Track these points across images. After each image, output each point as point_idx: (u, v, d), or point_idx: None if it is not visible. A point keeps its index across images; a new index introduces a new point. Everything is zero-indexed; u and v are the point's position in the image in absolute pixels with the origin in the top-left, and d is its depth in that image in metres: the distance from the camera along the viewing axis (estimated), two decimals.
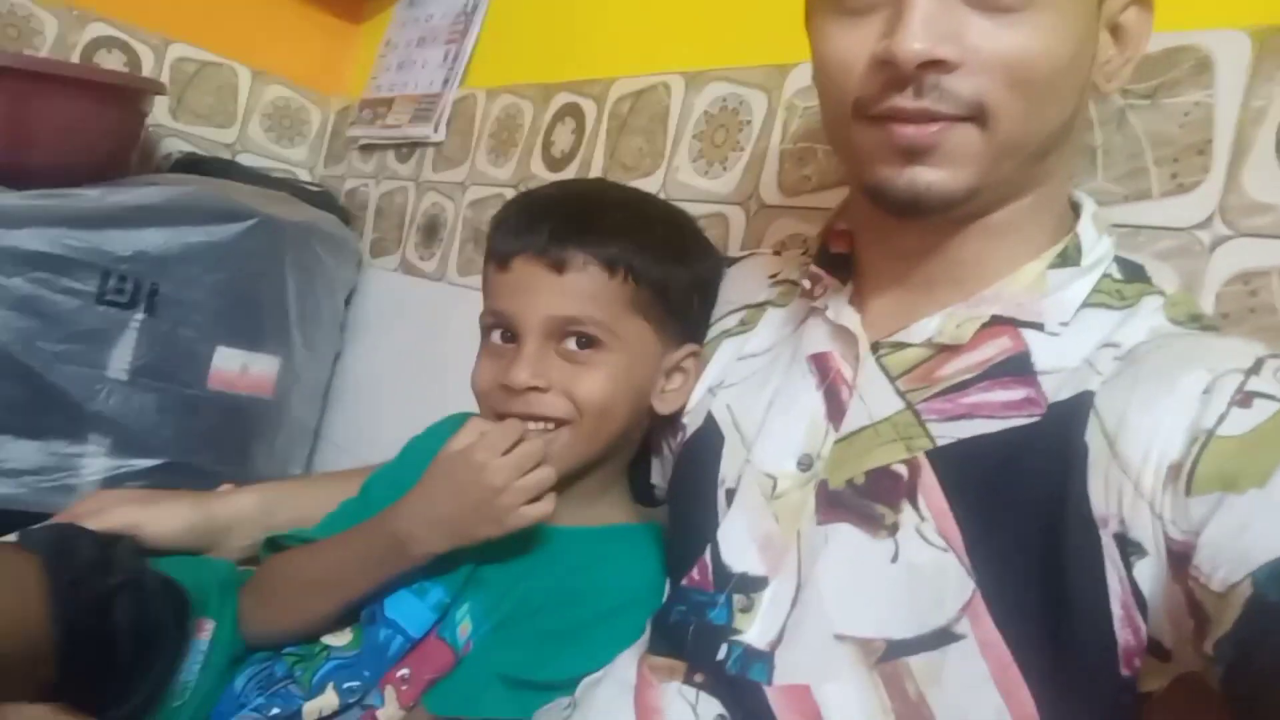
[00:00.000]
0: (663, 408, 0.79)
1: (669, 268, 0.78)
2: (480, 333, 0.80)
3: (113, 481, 1.35)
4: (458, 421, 0.80)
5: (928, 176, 0.57)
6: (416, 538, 0.73)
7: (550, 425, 0.74)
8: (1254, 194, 0.71)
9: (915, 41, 0.53)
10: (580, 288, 0.74)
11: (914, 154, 0.57)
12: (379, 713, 0.73)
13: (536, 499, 0.72)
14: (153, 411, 1.39)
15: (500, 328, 0.77)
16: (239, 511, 0.91)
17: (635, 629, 0.72)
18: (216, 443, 1.47)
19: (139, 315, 1.37)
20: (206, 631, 0.81)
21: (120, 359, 1.36)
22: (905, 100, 0.56)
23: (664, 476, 0.84)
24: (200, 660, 0.80)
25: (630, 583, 0.76)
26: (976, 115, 0.56)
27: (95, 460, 1.35)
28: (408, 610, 0.76)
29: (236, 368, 1.48)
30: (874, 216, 0.67)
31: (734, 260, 0.88)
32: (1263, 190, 0.71)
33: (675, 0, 1.25)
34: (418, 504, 0.74)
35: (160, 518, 0.87)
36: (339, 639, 0.78)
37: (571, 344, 0.75)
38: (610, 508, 0.82)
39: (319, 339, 1.62)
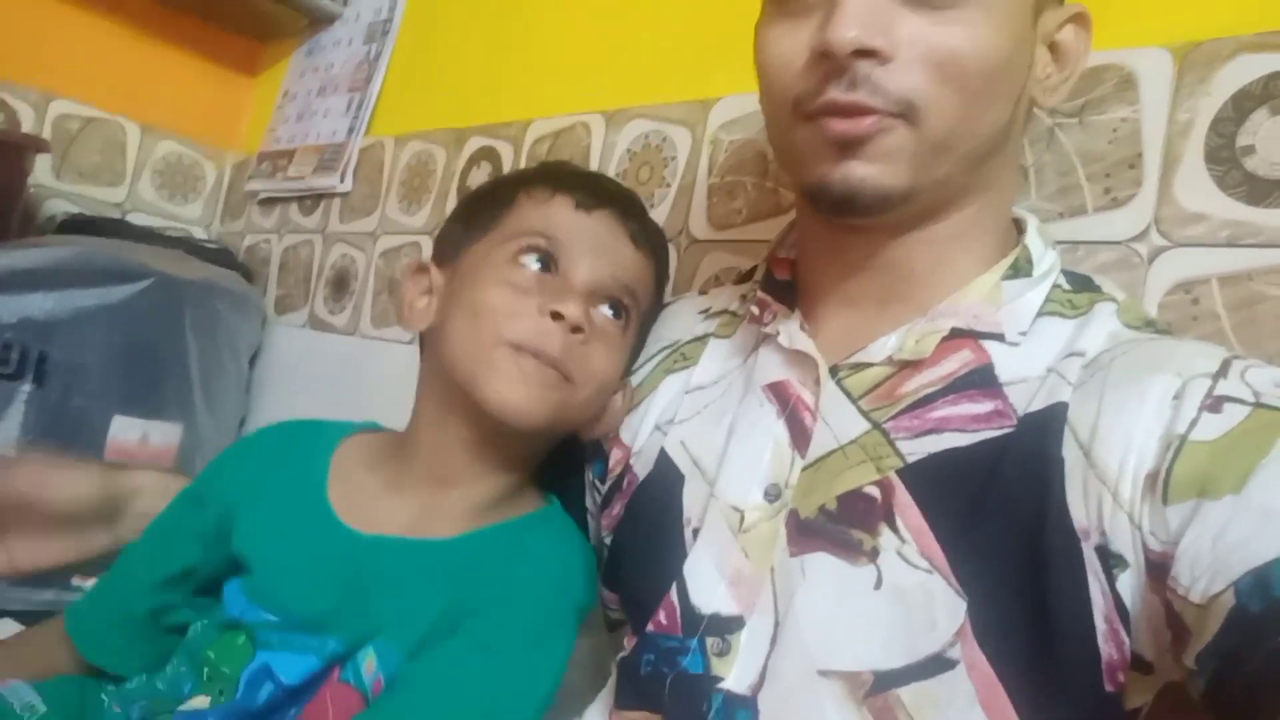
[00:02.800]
0: (588, 432, 0.77)
1: (660, 299, 0.80)
2: (485, 259, 0.73)
3: None
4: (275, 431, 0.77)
5: (861, 171, 0.57)
6: None
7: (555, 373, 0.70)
8: (1187, 205, 0.73)
9: (847, 30, 0.54)
10: (641, 268, 0.75)
11: (847, 147, 0.57)
12: None
13: None
14: None
15: (544, 254, 0.72)
16: (144, 481, 0.84)
17: (570, 608, 0.70)
18: None
19: (26, 386, 1.28)
20: None
21: (6, 433, 1.26)
22: (839, 92, 0.56)
23: (595, 534, 0.80)
24: None
25: (550, 558, 0.72)
26: (906, 111, 0.56)
27: None
28: (284, 661, 0.67)
29: (135, 437, 1.39)
30: (820, 231, 0.67)
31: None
32: (1195, 200, 0.72)
33: (591, 40, 1.24)
34: None
35: (65, 482, 0.80)
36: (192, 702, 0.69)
37: (603, 310, 0.73)
38: (515, 499, 0.76)
39: (223, 402, 1.54)
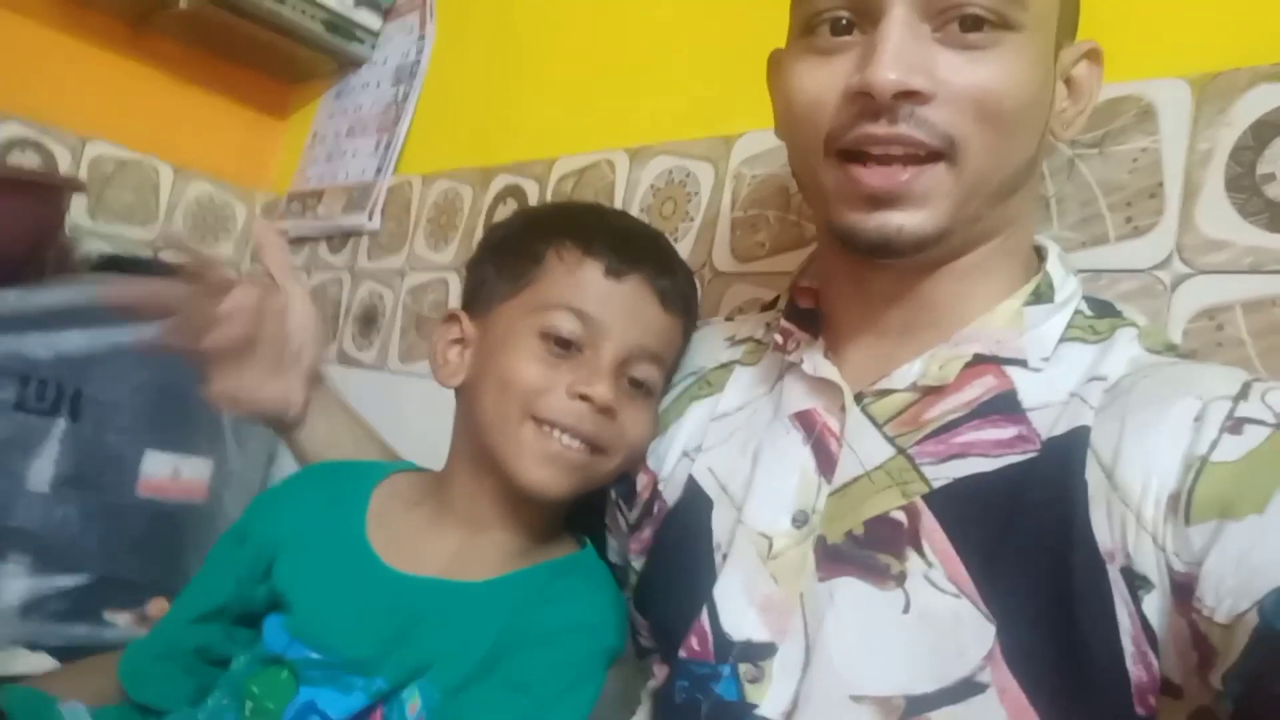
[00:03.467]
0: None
1: (689, 336, 0.80)
2: (512, 316, 0.73)
3: (35, 604, 1.26)
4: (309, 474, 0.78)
5: (898, 220, 0.58)
6: None
7: (589, 449, 0.71)
8: (1208, 232, 0.73)
9: (890, 72, 0.55)
10: (670, 331, 0.75)
11: (881, 201, 0.58)
12: None
13: None
14: (77, 524, 1.30)
15: (568, 334, 0.71)
16: None
17: (602, 651, 0.70)
18: (146, 554, 1.37)
19: (61, 422, 1.30)
20: None
21: (41, 470, 1.28)
22: (878, 128, 0.57)
23: (618, 552, 0.81)
24: None
25: (584, 603, 0.72)
26: (946, 148, 0.57)
27: (15, 581, 1.25)
28: (330, 698, 0.68)
29: (167, 472, 1.40)
30: (845, 264, 0.68)
31: None
32: (1217, 228, 0.73)
33: (614, 79, 1.27)
34: None
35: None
36: None
37: (631, 379, 0.73)
38: (550, 543, 0.77)
39: (253, 439, 1.55)
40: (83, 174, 1.69)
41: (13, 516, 1.25)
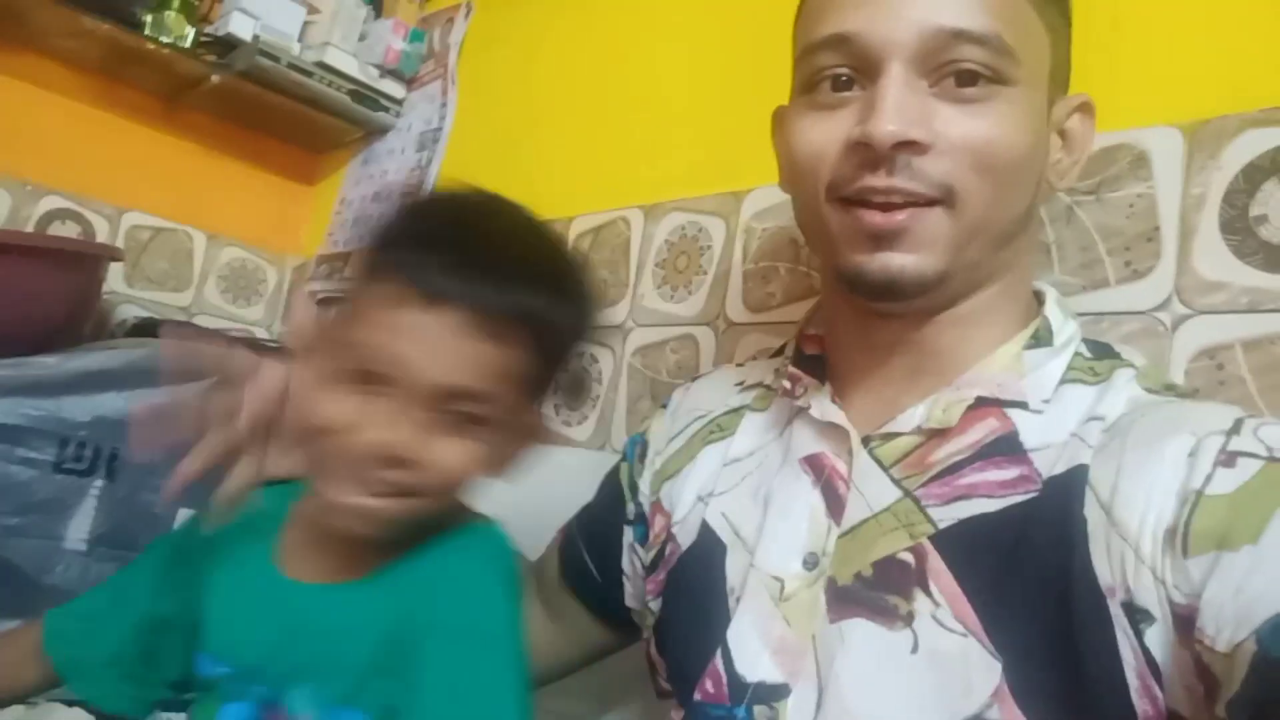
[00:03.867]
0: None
1: (571, 336, 0.73)
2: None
3: None
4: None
5: (900, 260, 0.60)
6: None
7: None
8: (1206, 274, 0.75)
9: (889, 124, 0.57)
10: (498, 360, 0.65)
11: (883, 239, 0.60)
12: None
13: None
14: None
15: (366, 374, 0.64)
16: None
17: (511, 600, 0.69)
18: None
19: (98, 481, 1.33)
20: None
21: (79, 528, 1.31)
22: (877, 179, 0.59)
23: (636, 596, 0.82)
24: None
25: (468, 593, 0.69)
26: (945, 197, 0.59)
27: None
28: (232, 712, 0.69)
29: None
30: (850, 312, 0.69)
31: (696, 375, 0.90)
32: (1214, 270, 0.75)
33: (628, 140, 1.31)
34: None
35: None
36: None
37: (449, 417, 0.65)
38: (441, 522, 0.72)
39: None
40: (119, 243, 1.75)
41: (51, 575, 1.28)
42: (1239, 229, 0.74)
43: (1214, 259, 0.75)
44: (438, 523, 0.71)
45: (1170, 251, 0.77)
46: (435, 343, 0.63)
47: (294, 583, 0.72)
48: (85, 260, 1.46)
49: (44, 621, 0.81)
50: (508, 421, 0.68)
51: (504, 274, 0.65)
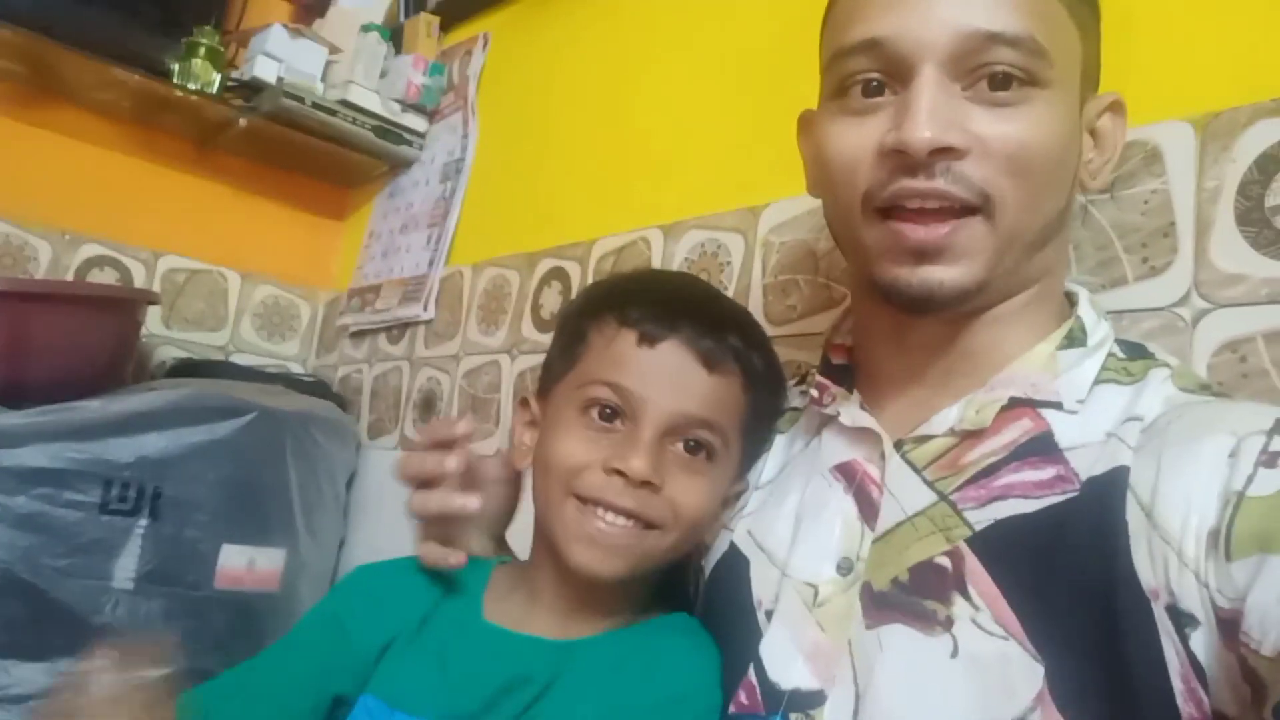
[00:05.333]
0: (708, 536, 0.76)
1: (776, 395, 0.77)
2: (560, 396, 0.73)
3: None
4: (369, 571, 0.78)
5: (940, 274, 0.60)
6: None
7: (639, 526, 0.69)
8: (1224, 267, 0.74)
9: (925, 130, 0.57)
10: (720, 391, 0.70)
11: (924, 255, 0.60)
12: None
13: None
14: (160, 618, 1.36)
15: (609, 404, 0.70)
16: None
17: (709, 711, 0.68)
18: (226, 644, 1.42)
19: (143, 521, 1.36)
20: None
21: (125, 568, 1.34)
22: (916, 181, 0.59)
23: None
24: None
25: (687, 675, 0.70)
26: (983, 204, 0.59)
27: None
28: None
29: (243, 564, 1.46)
30: (884, 317, 0.69)
31: None
32: (1232, 263, 0.74)
33: (645, 162, 1.33)
34: None
35: None
36: None
37: (680, 447, 0.70)
38: (644, 608, 0.76)
39: (322, 526, 1.61)
40: (156, 286, 1.80)
41: (100, 614, 1.32)
42: (1255, 220, 0.73)
43: (1231, 252, 0.74)
44: (649, 603, 0.75)
45: (1187, 246, 0.76)
46: (659, 374, 0.69)
47: (511, 633, 0.72)
48: (124, 305, 1.50)
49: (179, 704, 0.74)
50: (728, 458, 0.72)
51: (708, 316, 0.72)
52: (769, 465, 0.77)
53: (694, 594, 0.81)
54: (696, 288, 0.82)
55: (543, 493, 0.72)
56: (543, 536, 0.74)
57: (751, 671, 0.66)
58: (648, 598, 0.76)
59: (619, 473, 0.67)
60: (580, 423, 0.71)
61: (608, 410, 0.70)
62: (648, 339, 0.70)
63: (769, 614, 0.68)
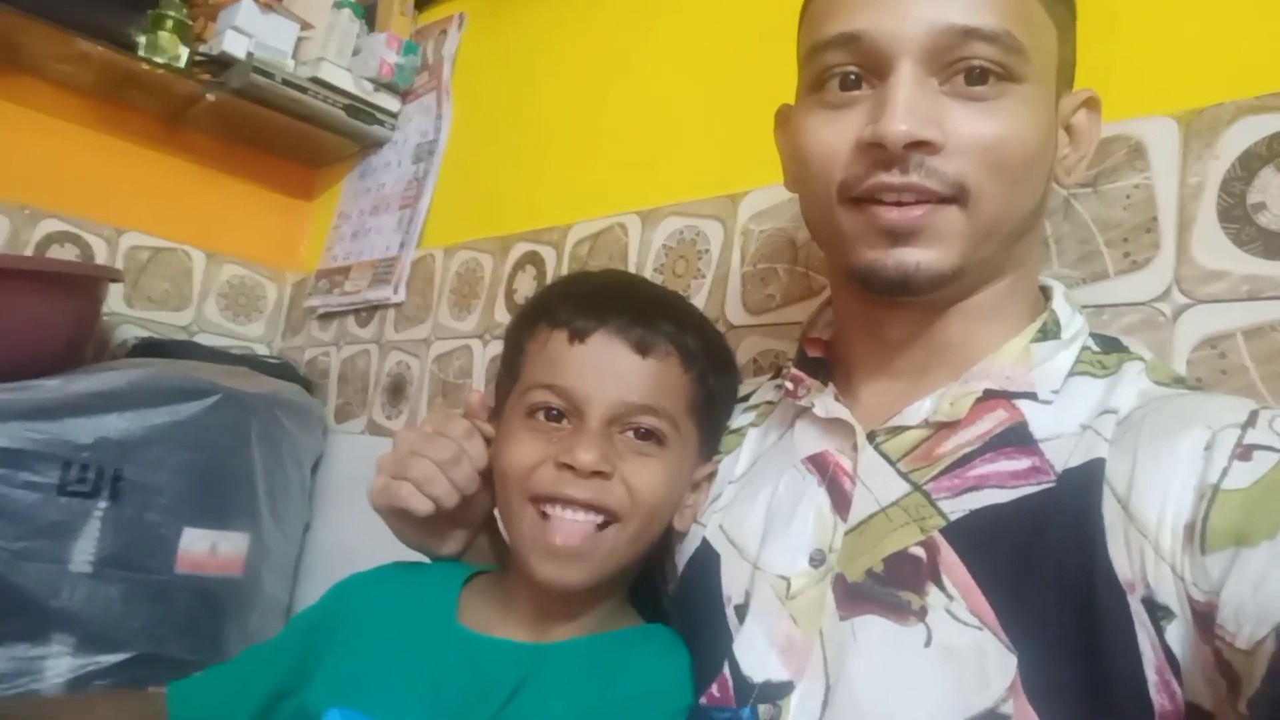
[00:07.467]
0: (680, 523, 0.76)
1: (723, 375, 0.77)
2: (508, 410, 0.74)
3: (79, 682, 1.28)
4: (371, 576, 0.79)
5: (915, 256, 0.60)
6: None
7: (598, 519, 0.69)
8: (1205, 263, 0.74)
9: (902, 124, 0.57)
10: (659, 376, 0.71)
11: (899, 236, 0.60)
12: None
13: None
14: (119, 603, 1.34)
15: (551, 406, 0.71)
16: None
17: (679, 712, 0.68)
18: (187, 629, 1.40)
19: (102, 503, 1.33)
20: None
21: (84, 551, 1.31)
22: (891, 176, 0.59)
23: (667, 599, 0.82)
24: None
25: (657, 675, 0.70)
26: (959, 195, 0.59)
27: (60, 660, 1.28)
28: None
29: (205, 548, 1.43)
30: (860, 308, 0.69)
31: None
32: (1213, 258, 0.74)
33: (623, 146, 1.31)
34: None
35: None
36: None
37: (630, 435, 0.71)
38: (617, 616, 0.76)
39: (287, 511, 1.59)
40: (119, 264, 1.76)
41: (57, 598, 1.29)
42: (1237, 217, 0.73)
43: (1213, 248, 0.74)
44: (623, 609, 0.76)
45: (1169, 242, 0.77)
46: (594, 367, 0.70)
47: (484, 637, 0.72)
48: (85, 283, 1.47)
49: (168, 692, 0.79)
50: (681, 441, 0.73)
51: (635, 304, 0.73)
52: (742, 459, 0.77)
53: (665, 597, 0.81)
54: (621, 278, 0.83)
55: (504, 505, 0.73)
56: (513, 550, 0.74)
57: (726, 667, 0.66)
58: (621, 603, 0.77)
59: (569, 467, 0.68)
60: (526, 426, 0.72)
61: (553, 411, 0.71)
62: (577, 335, 0.71)
63: (738, 609, 0.67)
